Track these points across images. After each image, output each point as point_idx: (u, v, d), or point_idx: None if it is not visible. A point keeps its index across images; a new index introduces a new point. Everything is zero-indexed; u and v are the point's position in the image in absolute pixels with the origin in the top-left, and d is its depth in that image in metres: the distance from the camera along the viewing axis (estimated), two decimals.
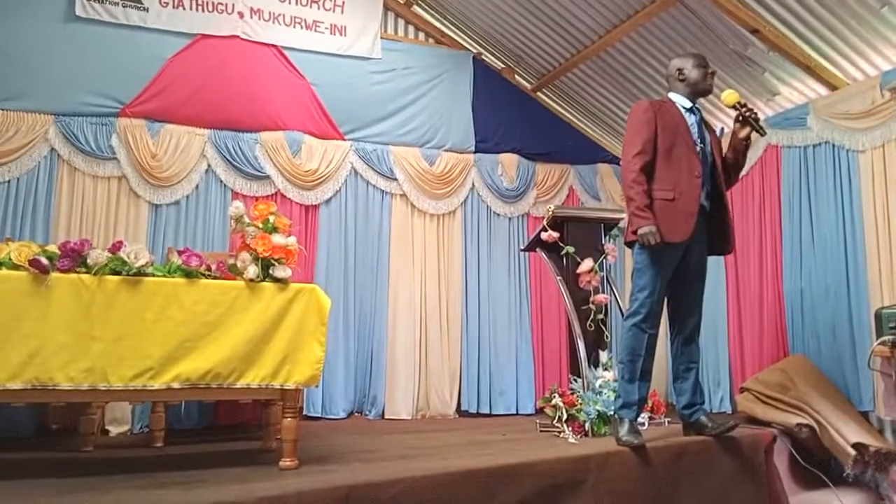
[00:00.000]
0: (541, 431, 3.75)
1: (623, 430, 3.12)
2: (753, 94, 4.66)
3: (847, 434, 3.48)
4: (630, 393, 3.19)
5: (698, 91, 3.33)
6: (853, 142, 4.05)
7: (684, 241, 3.14)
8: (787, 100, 4.57)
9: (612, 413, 3.52)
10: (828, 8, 3.81)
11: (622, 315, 4.32)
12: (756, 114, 3.25)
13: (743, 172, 3.75)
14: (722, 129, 3.29)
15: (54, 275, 2.50)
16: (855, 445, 3.44)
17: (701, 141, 3.28)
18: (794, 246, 4.40)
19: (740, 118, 3.24)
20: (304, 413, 4.55)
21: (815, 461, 3.62)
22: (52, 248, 2.60)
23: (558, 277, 4.16)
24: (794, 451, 3.59)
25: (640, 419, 3.36)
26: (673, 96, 3.36)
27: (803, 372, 3.96)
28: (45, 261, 2.49)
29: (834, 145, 4.19)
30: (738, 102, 3.23)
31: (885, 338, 3.03)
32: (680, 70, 3.34)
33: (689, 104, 3.33)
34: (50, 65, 4.31)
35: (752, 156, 4.63)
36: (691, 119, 3.31)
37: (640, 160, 3.16)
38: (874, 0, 3.63)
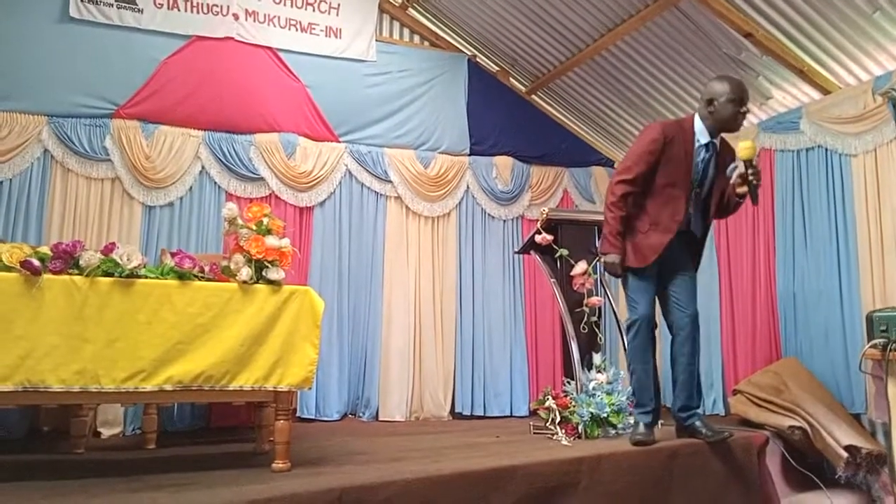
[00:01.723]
0: (534, 433, 3.75)
1: (636, 430, 3.24)
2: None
3: (839, 436, 3.50)
4: (643, 397, 3.31)
5: (724, 128, 3.20)
6: (845, 146, 4.07)
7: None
8: (780, 104, 4.59)
9: (605, 415, 3.53)
10: (821, 13, 3.82)
11: (616, 318, 4.36)
12: (760, 180, 3.08)
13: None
14: (734, 168, 3.19)
15: (46, 276, 2.48)
16: (847, 448, 3.45)
17: (700, 184, 3.22)
18: (787, 249, 4.42)
19: (745, 176, 3.07)
20: (298, 415, 4.55)
21: (808, 463, 3.64)
22: (45, 249, 2.59)
23: (552, 280, 4.17)
24: (786, 454, 3.61)
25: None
26: (696, 122, 3.22)
27: (796, 374, 3.97)
28: (36, 262, 2.48)
29: (826, 149, 4.20)
30: (751, 161, 3.05)
31: (877, 341, 3.03)
32: (711, 101, 3.14)
33: (707, 139, 3.20)
34: (44, 66, 4.29)
35: None
36: (700, 156, 3.20)
37: (626, 188, 3.17)
38: (867, 5, 3.65)
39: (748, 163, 3.05)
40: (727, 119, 3.13)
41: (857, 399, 3.83)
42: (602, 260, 3.18)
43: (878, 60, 3.91)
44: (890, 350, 2.98)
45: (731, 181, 3.16)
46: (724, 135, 3.30)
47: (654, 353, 3.39)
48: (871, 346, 3.06)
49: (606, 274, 4.39)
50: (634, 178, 3.16)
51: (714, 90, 3.15)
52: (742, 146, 3.06)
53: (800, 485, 3.60)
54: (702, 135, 3.20)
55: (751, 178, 3.05)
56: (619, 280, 3.42)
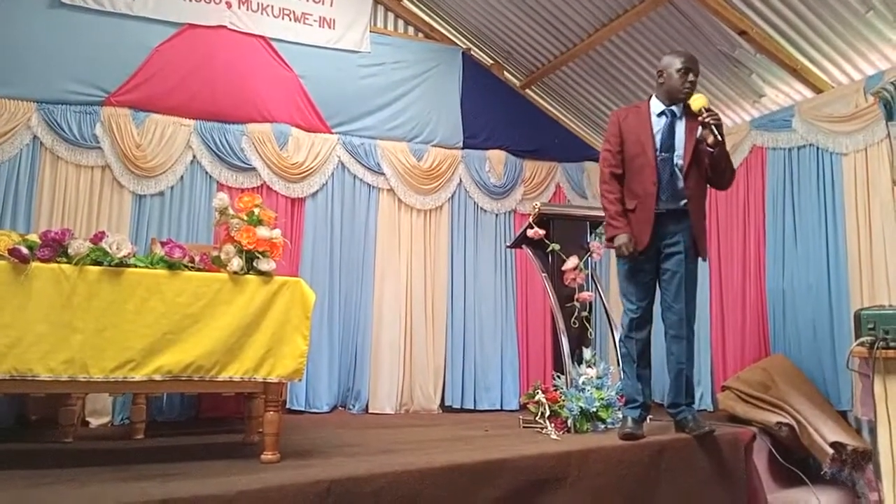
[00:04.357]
0: (523, 427, 3.76)
1: (625, 425, 3.27)
2: (740, 96, 4.69)
3: (825, 433, 3.53)
4: (631, 393, 3.37)
5: (673, 98, 3.34)
6: (836, 144, 4.09)
7: (651, 246, 3.27)
8: (773, 102, 4.60)
9: (594, 410, 3.55)
10: (815, 11, 3.84)
11: (606, 313, 4.37)
12: (718, 120, 3.20)
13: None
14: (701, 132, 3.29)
15: (34, 264, 2.47)
16: (833, 444, 3.49)
17: (665, 149, 3.31)
18: (777, 246, 4.44)
19: (704, 122, 3.20)
20: (288, 406, 4.55)
21: (794, 459, 3.67)
22: (33, 237, 2.57)
23: (543, 274, 4.17)
24: (773, 450, 3.64)
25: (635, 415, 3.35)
26: (653, 100, 3.42)
27: (784, 371, 4.00)
28: (25, 250, 2.46)
29: (818, 148, 4.22)
30: (703, 108, 3.20)
31: (864, 339, 3.04)
32: (661, 73, 3.38)
33: (660, 108, 3.37)
34: (34, 52, 4.25)
35: (738, 156, 4.67)
36: (659, 125, 3.34)
37: (608, 169, 3.37)
38: (860, 5, 3.66)
39: (702, 110, 3.20)
40: (674, 87, 3.31)
41: (844, 396, 3.86)
42: (614, 244, 3.26)
43: (871, 60, 3.93)
44: (877, 348, 3.00)
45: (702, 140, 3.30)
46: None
47: (644, 351, 3.39)
48: (858, 344, 3.07)
49: (597, 270, 4.44)
50: (611, 160, 3.37)
51: (664, 64, 3.38)
52: (693, 100, 3.24)
53: (786, 481, 3.63)
54: (656, 107, 3.39)
55: (708, 119, 3.18)
56: (616, 272, 3.47)
